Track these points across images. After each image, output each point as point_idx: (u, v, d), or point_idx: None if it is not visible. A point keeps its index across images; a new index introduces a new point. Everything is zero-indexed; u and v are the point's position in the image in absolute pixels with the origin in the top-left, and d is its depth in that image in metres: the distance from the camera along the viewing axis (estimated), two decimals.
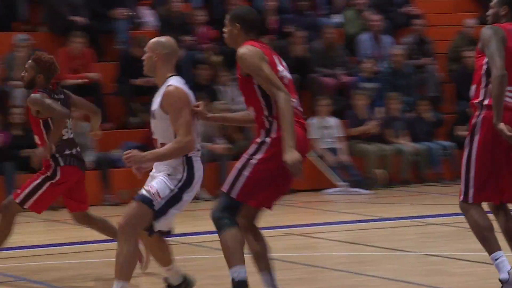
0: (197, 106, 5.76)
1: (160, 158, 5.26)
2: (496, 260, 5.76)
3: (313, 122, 13.80)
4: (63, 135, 7.53)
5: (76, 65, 14.27)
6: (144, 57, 5.43)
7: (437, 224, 11.54)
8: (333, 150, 14.20)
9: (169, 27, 14.79)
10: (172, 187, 5.35)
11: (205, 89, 14.34)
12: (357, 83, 15.29)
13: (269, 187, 5.39)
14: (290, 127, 5.26)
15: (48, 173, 7.45)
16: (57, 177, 7.51)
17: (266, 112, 5.33)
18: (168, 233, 5.74)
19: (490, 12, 6.28)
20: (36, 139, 7.63)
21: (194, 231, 9.97)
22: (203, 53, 15.41)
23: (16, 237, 9.07)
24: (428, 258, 8.67)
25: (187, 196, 5.21)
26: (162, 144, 5.35)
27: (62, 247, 9.72)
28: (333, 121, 14.58)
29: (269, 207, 5.52)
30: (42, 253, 9.06)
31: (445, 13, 18.75)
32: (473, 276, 7.22)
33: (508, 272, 5.57)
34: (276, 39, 16.05)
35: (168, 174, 5.30)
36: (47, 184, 7.51)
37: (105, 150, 13.45)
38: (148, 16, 15.68)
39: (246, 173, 5.21)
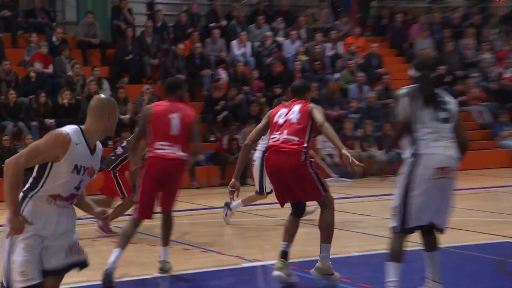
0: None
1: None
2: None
3: (319, 138, 13.44)
4: None
5: None
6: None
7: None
8: (330, 155, 15.20)
9: (235, 81, 16.63)
10: None
11: (255, 119, 14.35)
12: (347, 114, 16.39)
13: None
14: None
15: None
16: None
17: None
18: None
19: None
20: None
21: None
22: (255, 96, 16.31)
23: None
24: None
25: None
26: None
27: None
28: None
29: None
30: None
31: (403, 71, 17.99)
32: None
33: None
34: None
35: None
36: None
37: None
38: (223, 74, 16.89)
39: None
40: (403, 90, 5.18)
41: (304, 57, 17.48)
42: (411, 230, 5.09)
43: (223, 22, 18.01)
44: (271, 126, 6.03)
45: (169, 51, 16.30)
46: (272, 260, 6.58)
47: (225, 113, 15.13)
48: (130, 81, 15.89)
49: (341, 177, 14.89)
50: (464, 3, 22.79)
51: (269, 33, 17.89)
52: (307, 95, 6.20)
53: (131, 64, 16.00)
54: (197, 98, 15.75)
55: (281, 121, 5.98)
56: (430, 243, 5.31)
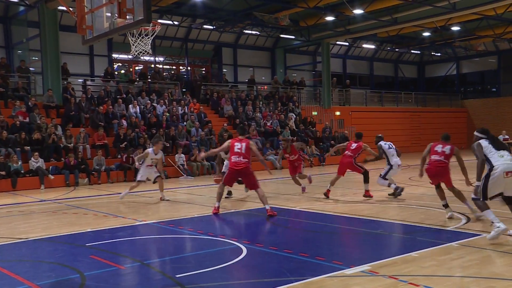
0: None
1: None
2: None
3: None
4: None
5: None
6: None
7: None
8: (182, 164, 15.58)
9: (131, 126, 16.69)
10: None
11: (142, 146, 15.00)
12: (190, 143, 16.62)
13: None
14: None
15: None
16: None
17: None
18: None
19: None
20: None
21: None
22: (141, 134, 16.30)
23: None
24: None
25: None
26: None
27: None
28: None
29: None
30: None
31: (218, 122, 19.43)
32: None
33: None
34: None
35: None
36: None
37: None
38: (124, 122, 16.92)
39: None
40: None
41: (167, 114, 18.59)
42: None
43: (124, 95, 18.55)
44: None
45: (95, 110, 17.05)
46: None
47: (125, 142, 15.97)
48: (73, 126, 16.35)
49: (188, 176, 15.54)
50: (247, 88, 23.87)
51: (148, 101, 18.88)
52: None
53: (73, 117, 16.86)
54: (110, 135, 16.70)
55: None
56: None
